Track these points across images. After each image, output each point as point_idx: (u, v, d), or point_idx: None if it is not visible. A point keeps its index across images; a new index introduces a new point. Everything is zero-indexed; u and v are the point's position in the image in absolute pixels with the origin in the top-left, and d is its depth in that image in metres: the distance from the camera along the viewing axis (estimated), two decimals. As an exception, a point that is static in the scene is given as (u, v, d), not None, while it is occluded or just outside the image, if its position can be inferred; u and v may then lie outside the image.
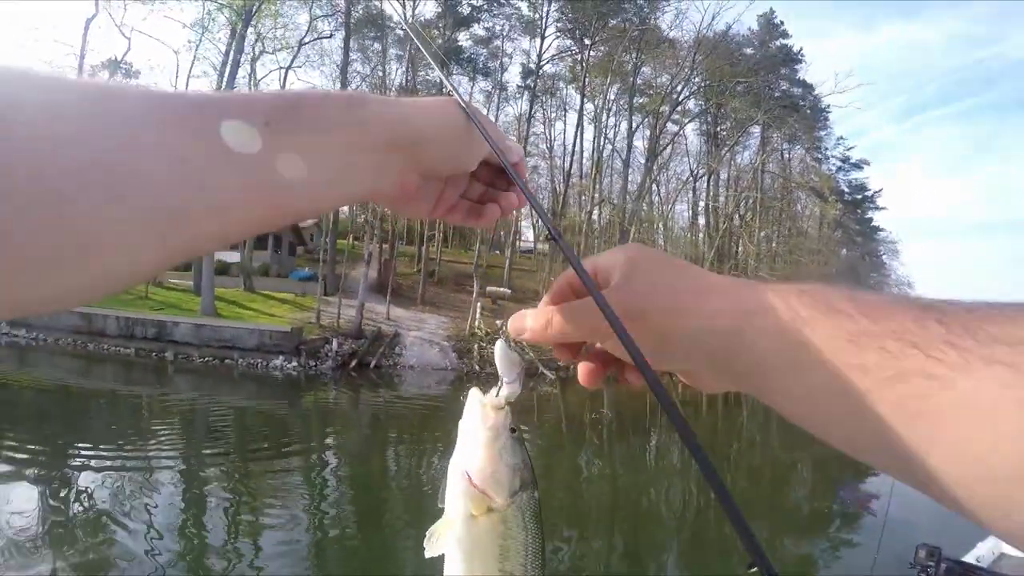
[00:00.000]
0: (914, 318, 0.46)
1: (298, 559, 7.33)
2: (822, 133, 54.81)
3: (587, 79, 45.34)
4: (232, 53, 34.41)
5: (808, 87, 52.41)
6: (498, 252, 46.18)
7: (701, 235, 50.96)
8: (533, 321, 0.67)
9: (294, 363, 24.12)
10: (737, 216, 47.85)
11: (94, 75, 45.22)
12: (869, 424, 0.46)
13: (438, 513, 0.70)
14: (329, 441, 15.06)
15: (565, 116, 53.71)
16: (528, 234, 52.58)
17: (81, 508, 8.31)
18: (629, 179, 46.02)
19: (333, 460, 13.02)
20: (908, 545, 4.49)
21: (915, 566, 4.28)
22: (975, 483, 0.40)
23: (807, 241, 50.92)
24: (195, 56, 36.81)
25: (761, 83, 45.94)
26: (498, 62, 49.24)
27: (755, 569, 0.35)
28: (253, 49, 36.18)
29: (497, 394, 0.72)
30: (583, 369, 0.69)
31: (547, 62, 47.58)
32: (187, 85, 54.03)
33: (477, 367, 27.40)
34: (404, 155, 0.61)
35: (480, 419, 0.71)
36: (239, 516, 8.71)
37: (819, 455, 13.07)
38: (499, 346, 0.73)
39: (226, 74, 34.30)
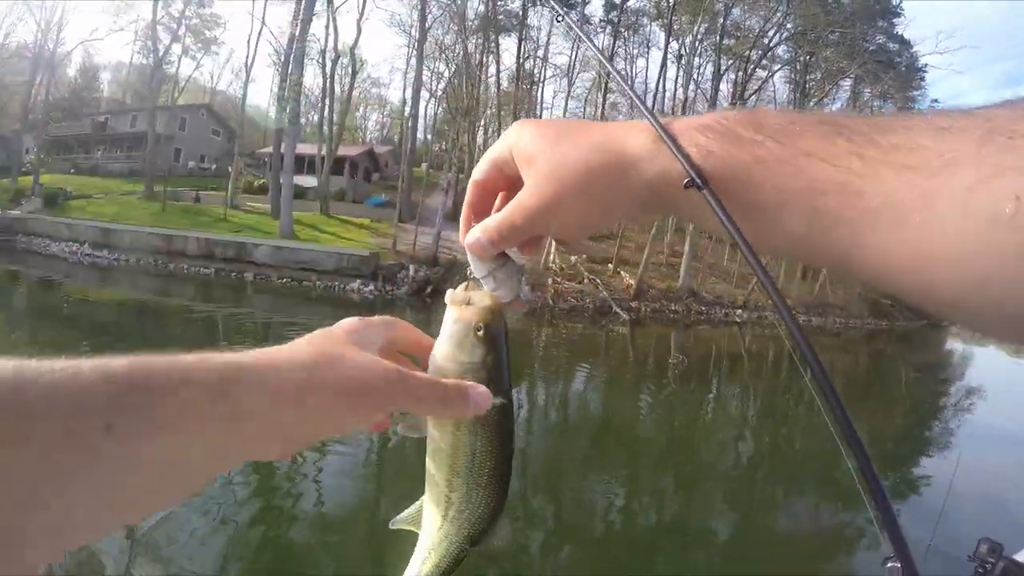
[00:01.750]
0: (821, 135, 0.49)
1: (355, 487, 7.22)
2: (916, 93, 50.24)
3: (673, 16, 43.61)
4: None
5: (906, 43, 49.16)
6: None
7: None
8: (481, 236, 0.68)
9: (371, 287, 24.25)
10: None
11: (169, 3, 45.60)
12: (792, 233, 0.50)
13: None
14: None
15: (648, 54, 52.13)
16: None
17: None
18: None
19: None
20: (962, 536, 4.08)
21: (974, 559, 3.77)
22: (898, 275, 0.45)
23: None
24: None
25: (857, 34, 43.44)
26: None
27: (891, 564, 0.42)
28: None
29: (467, 287, 0.72)
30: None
31: (632, -3, 46.17)
32: (264, 11, 54.09)
33: (551, 301, 27.13)
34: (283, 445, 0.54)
35: (446, 314, 0.71)
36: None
37: (875, 428, 12.53)
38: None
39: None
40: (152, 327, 15.70)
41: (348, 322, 0.65)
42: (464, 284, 0.73)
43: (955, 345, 35.78)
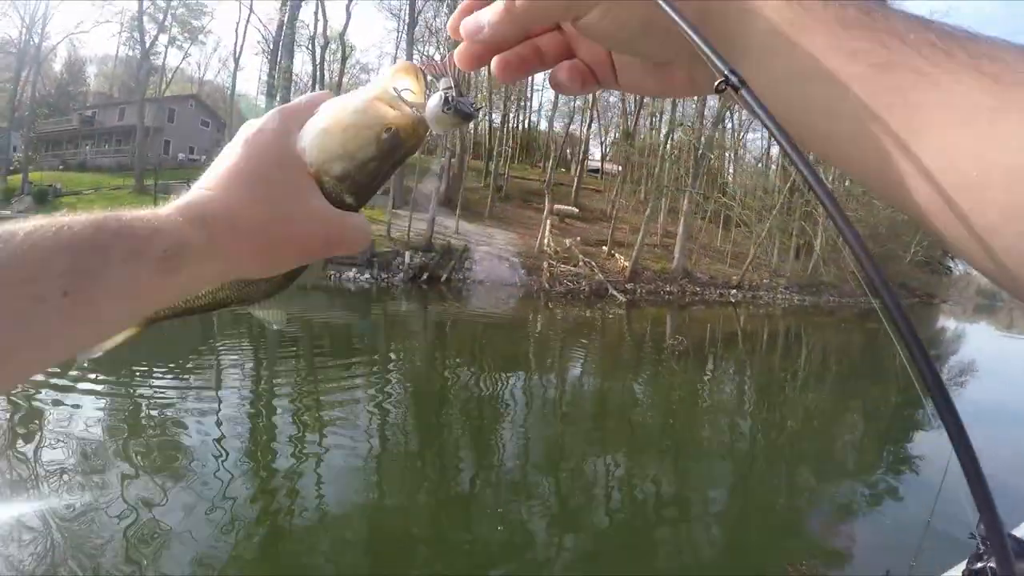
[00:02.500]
0: (907, 23, 0.46)
1: (356, 470, 7.23)
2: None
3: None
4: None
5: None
6: (564, 170, 45.33)
7: (774, 167, 49.24)
8: (492, 9, 0.55)
9: (366, 275, 24.28)
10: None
11: None
12: (849, 112, 0.45)
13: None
14: (396, 354, 14.95)
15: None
16: (595, 152, 51.50)
17: (147, 415, 8.35)
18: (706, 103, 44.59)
19: (398, 373, 12.79)
20: (962, 512, 4.02)
21: (974, 536, 3.76)
22: (948, 186, 0.41)
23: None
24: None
25: None
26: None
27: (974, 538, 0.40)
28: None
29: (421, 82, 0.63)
30: (568, 68, 0.61)
31: None
32: (253, -4, 53.62)
33: (547, 284, 27.14)
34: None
35: (370, 85, 0.64)
36: (303, 424, 8.72)
37: (871, 406, 12.68)
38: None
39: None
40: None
41: (281, 124, 0.62)
42: (420, 76, 0.64)
43: (947, 323, 35.95)
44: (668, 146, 36.53)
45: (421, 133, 0.63)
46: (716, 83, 0.45)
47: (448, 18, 0.66)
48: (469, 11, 0.58)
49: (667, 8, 0.47)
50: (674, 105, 36.25)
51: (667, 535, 6.57)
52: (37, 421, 7.74)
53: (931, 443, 9.59)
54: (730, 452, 9.54)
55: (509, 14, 0.54)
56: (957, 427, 0.36)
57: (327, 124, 0.61)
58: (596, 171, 49.28)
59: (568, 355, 16.27)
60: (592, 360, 15.86)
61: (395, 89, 0.62)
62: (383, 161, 0.63)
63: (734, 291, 32.46)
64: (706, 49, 0.46)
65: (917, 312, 37.50)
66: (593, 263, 29.25)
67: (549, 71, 0.62)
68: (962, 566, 1.61)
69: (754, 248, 33.99)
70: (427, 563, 5.70)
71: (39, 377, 9.27)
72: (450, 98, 0.60)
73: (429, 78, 0.64)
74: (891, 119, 0.43)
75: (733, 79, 0.44)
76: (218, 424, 8.18)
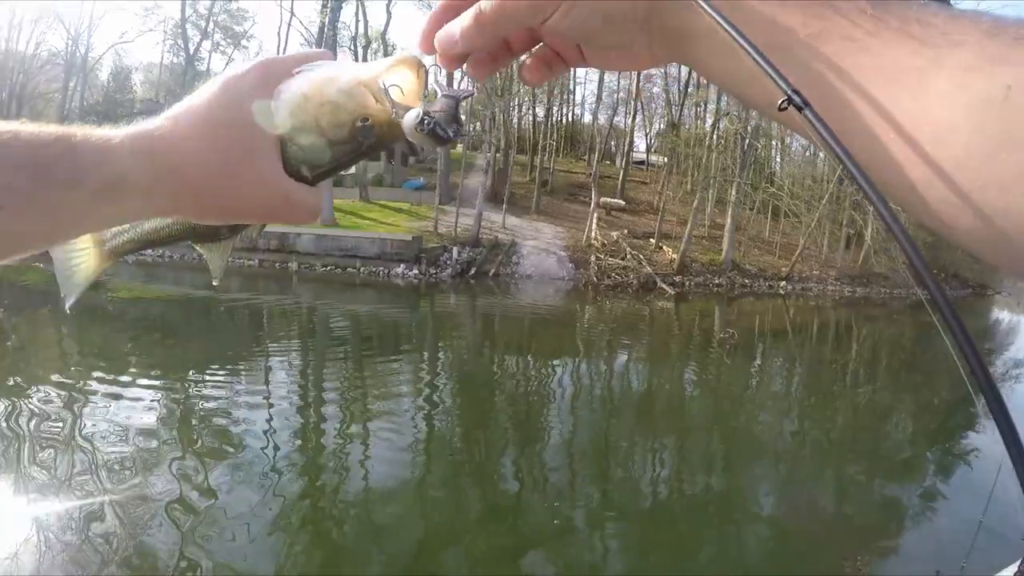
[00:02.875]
0: None
1: (402, 464, 7.34)
2: None
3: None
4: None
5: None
6: (609, 163, 45.07)
7: (822, 155, 48.13)
8: (462, 22, 0.57)
9: (415, 271, 24.43)
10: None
11: (196, 1, 46.02)
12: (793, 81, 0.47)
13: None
14: (443, 348, 15.13)
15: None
16: (640, 144, 51.09)
17: (200, 410, 8.56)
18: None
19: (445, 366, 13.02)
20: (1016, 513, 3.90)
21: None
22: (884, 143, 0.43)
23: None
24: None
25: None
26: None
27: None
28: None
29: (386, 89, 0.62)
30: (536, 62, 0.63)
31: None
32: (292, 2, 54.32)
33: (595, 278, 27.07)
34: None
35: (350, 66, 0.64)
36: (351, 418, 8.85)
37: (924, 401, 12.48)
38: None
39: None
40: (198, 320, 15.94)
41: (261, 79, 0.62)
42: (421, 73, 0.64)
43: (1002, 314, 35.02)
44: (715, 136, 36.17)
45: (395, 135, 0.62)
46: (779, 102, 0.45)
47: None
48: (439, 23, 0.59)
49: (725, 25, 0.48)
50: (720, 94, 35.87)
51: (716, 531, 6.55)
52: (96, 416, 7.92)
53: (984, 440, 9.34)
54: (780, 447, 9.48)
55: (479, 25, 0.55)
56: (1009, 425, 0.36)
57: (309, 91, 0.61)
58: (642, 163, 48.92)
59: (617, 348, 16.23)
60: (641, 353, 15.82)
61: (385, 83, 0.61)
62: (350, 147, 0.63)
63: (783, 283, 31.96)
64: (768, 69, 0.46)
65: (970, 303, 36.52)
66: (641, 256, 29.04)
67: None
68: (1015, 567, 1.55)
69: (803, 239, 33.46)
70: (472, 555, 5.77)
71: (99, 372, 9.83)
72: (426, 119, 0.59)
73: (434, 78, 0.64)
74: (827, 86, 0.45)
75: (796, 99, 0.45)
76: (268, 418, 8.35)
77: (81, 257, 0.79)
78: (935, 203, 0.42)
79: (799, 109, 0.44)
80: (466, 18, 0.56)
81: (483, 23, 0.55)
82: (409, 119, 0.60)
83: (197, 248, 0.77)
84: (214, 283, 0.84)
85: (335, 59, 0.66)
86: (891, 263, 36.27)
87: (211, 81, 0.60)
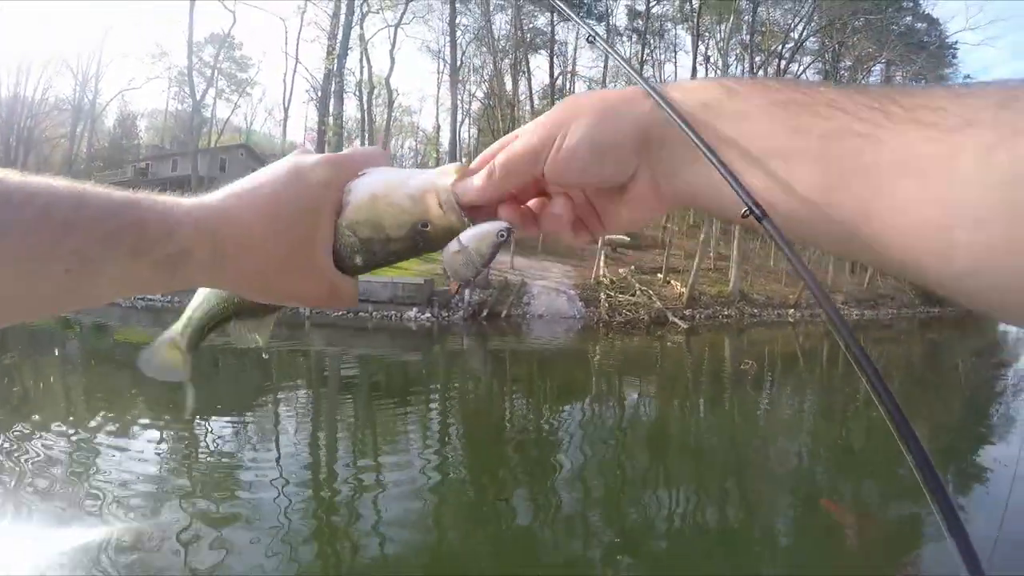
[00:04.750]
0: (840, 92, 0.49)
1: (414, 506, 7.34)
2: (948, 72, 49.61)
3: (699, 19, 43.37)
4: (342, 15, 34.74)
5: (934, 22, 49.12)
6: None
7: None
8: (478, 178, 0.64)
9: (427, 314, 24.50)
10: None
11: (201, 50, 46.46)
12: (806, 185, 0.48)
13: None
14: (456, 389, 15.12)
15: (676, 58, 52.03)
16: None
17: (206, 455, 8.65)
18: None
19: (457, 408, 13.01)
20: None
21: None
22: (917, 237, 0.43)
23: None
24: (303, 21, 37.56)
25: (884, 18, 42.60)
26: (604, 4, 47.96)
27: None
28: (360, 9, 36.50)
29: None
30: (556, 214, 0.67)
31: (656, 3, 46.09)
32: (297, 49, 54.83)
33: (606, 315, 27.20)
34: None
35: (419, 175, 0.68)
36: (362, 463, 8.89)
37: (934, 418, 12.22)
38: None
39: (338, 36, 34.66)
40: (207, 367, 15.93)
41: (329, 175, 0.65)
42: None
43: (1009, 328, 34.94)
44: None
45: (446, 242, 0.66)
46: (742, 212, 0.50)
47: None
48: (470, 172, 0.66)
49: (691, 135, 0.53)
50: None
51: (733, 566, 6.48)
52: (102, 463, 7.90)
53: (998, 454, 9.51)
54: (796, 477, 9.43)
55: (491, 181, 0.62)
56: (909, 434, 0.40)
57: (379, 191, 0.65)
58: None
59: (633, 385, 16.22)
60: (658, 389, 15.76)
61: (455, 194, 0.65)
62: (403, 246, 0.67)
63: (792, 311, 32.06)
64: (730, 179, 0.50)
65: (977, 319, 36.39)
66: (650, 291, 29.15)
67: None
68: None
69: (807, 265, 33.53)
70: None
71: (102, 418, 9.89)
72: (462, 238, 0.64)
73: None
74: (849, 186, 0.46)
75: (756, 211, 0.49)
76: (278, 465, 8.34)
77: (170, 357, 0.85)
78: (981, 290, 0.42)
79: (758, 220, 0.49)
80: (480, 176, 0.64)
81: (492, 175, 0.62)
82: (474, 235, 0.64)
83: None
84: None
85: (390, 157, 0.74)
86: (897, 283, 36.33)
87: (278, 164, 0.65)
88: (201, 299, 0.78)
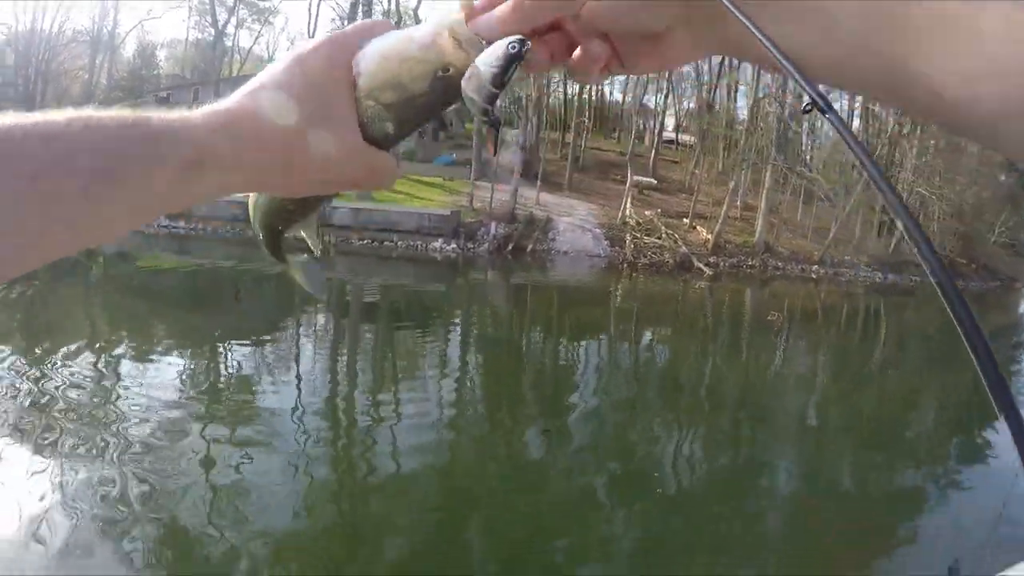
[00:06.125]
0: None
1: (430, 435, 7.46)
2: None
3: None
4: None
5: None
6: (638, 140, 44.65)
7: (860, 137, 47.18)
8: (502, 11, 0.57)
9: (452, 245, 24.43)
10: (896, 123, 44.10)
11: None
12: (842, 43, 0.50)
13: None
14: (477, 321, 15.27)
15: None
16: (669, 123, 50.52)
17: (228, 381, 8.75)
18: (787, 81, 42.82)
19: (477, 339, 13.17)
20: None
21: None
22: (948, 86, 0.46)
23: (966, 159, 46.45)
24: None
25: None
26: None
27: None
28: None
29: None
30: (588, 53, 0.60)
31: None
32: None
33: (631, 256, 26.97)
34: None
35: (428, 21, 0.63)
36: (381, 390, 9.03)
37: (948, 389, 12.45)
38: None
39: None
40: (229, 292, 15.90)
41: (331, 51, 0.60)
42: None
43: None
44: (756, 118, 35.66)
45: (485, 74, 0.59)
46: (804, 105, 0.47)
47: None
48: (490, 4, 0.58)
49: (753, 29, 0.48)
50: (757, 77, 35.44)
51: (733, 508, 6.58)
52: (124, 389, 7.95)
53: (1006, 432, 9.27)
54: (803, 429, 9.50)
55: (517, 12, 0.55)
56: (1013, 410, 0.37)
57: (388, 52, 0.60)
58: (671, 142, 48.45)
59: (654, 326, 16.31)
60: (679, 332, 15.81)
61: (468, 29, 0.59)
62: (431, 99, 0.61)
63: (816, 267, 31.72)
64: (793, 71, 0.47)
65: (997, 295, 36.20)
66: (676, 235, 28.89)
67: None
68: None
69: (835, 224, 33.16)
70: (493, 523, 5.89)
71: (127, 344, 10.03)
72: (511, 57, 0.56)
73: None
74: (885, 37, 0.47)
75: (821, 103, 0.46)
76: (297, 390, 8.47)
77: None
78: (1005, 135, 0.46)
79: (822, 112, 0.46)
80: (507, 6, 0.56)
81: (523, 10, 0.55)
82: (490, 56, 0.57)
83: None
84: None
85: (392, 25, 0.65)
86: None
87: (281, 59, 0.61)
88: (252, 211, 0.76)
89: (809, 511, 6.77)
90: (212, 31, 45.22)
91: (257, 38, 57.80)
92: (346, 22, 38.49)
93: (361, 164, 0.61)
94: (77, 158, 0.46)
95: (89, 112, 0.48)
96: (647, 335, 15.12)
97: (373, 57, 0.60)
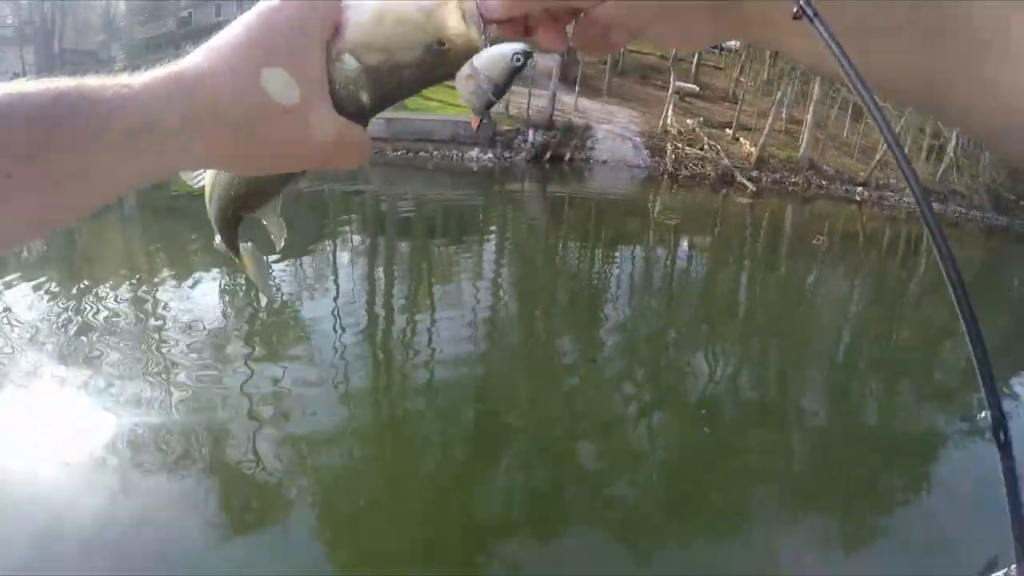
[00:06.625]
0: None
1: (465, 348, 7.56)
2: None
3: None
4: None
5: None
6: (679, 43, 43.19)
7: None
8: None
9: (489, 154, 23.79)
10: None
11: None
12: (897, 53, 0.47)
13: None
14: (514, 233, 15.17)
15: None
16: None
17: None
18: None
19: (513, 252, 13.15)
20: None
21: None
22: (994, 111, 0.45)
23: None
24: None
25: None
26: None
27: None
28: None
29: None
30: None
31: None
32: None
33: (672, 168, 26.16)
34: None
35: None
36: (417, 305, 9.15)
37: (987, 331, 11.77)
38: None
39: None
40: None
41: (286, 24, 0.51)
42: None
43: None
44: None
45: (461, 64, 0.54)
46: (794, 11, 0.43)
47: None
48: None
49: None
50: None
51: (760, 431, 6.64)
52: (163, 312, 8.10)
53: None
54: (834, 360, 9.34)
55: None
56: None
57: (386, 6, 0.53)
58: (715, 46, 46.72)
59: (694, 244, 16.16)
60: (720, 249, 15.86)
61: (477, 8, 0.51)
62: (417, 73, 0.55)
63: (860, 188, 30.64)
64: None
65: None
66: (718, 147, 27.86)
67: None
68: None
69: (883, 147, 31.86)
70: (526, 432, 6.06)
71: (165, 268, 9.99)
72: (515, 57, 0.52)
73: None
74: (935, 52, 0.45)
75: (809, 10, 0.43)
76: (334, 307, 8.58)
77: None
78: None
79: (810, 20, 0.43)
80: None
81: None
82: (493, 55, 0.53)
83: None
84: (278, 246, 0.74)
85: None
86: (972, 183, 34.70)
87: (248, 11, 0.52)
88: (208, 192, 0.68)
89: (833, 436, 6.80)
90: (234, -57, 43.70)
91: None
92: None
93: (328, 134, 0.52)
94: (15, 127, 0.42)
95: (18, 86, 0.43)
96: (687, 252, 15.00)
97: (366, 9, 0.52)
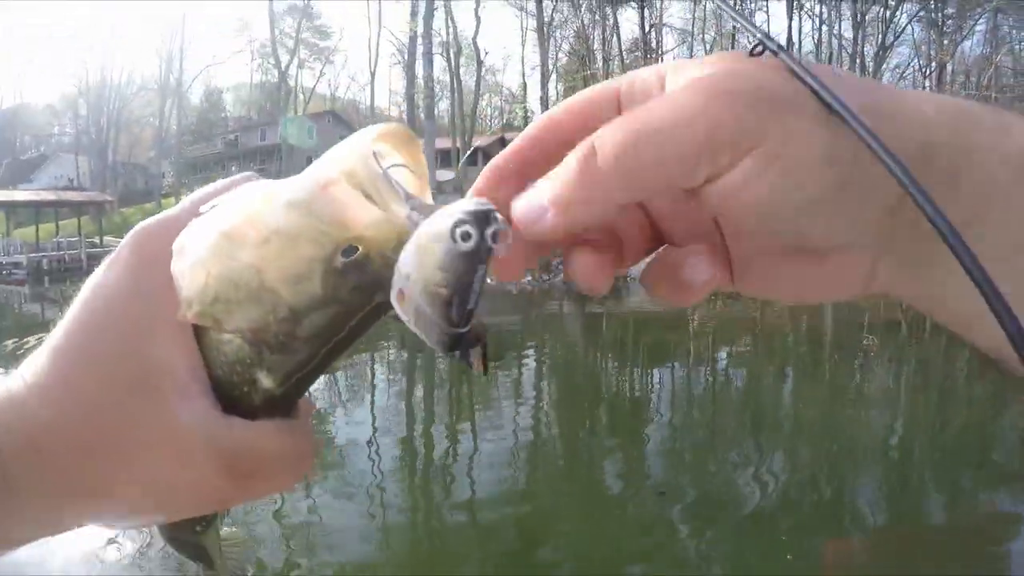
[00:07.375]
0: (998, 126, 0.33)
1: (505, 467, 7.42)
2: None
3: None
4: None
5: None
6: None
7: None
8: (556, 181, 0.32)
9: (528, 277, 24.00)
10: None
11: (281, 21, 46.94)
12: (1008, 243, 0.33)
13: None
14: (552, 353, 15.19)
15: (767, 7, 49.11)
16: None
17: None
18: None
19: (552, 372, 13.08)
20: None
21: None
22: None
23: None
24: None
25: None
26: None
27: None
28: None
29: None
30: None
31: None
32: (380, 10, 55.19)
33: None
34: None
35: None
36: (455, 422, 9.10)
37: None
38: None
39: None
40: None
41: (131, 252, 0.38)
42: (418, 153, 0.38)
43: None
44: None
45: (390, 271, 0.34)
46: (752, 47, 0.33)
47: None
48: (502, 175, 0.37)
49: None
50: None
51: (817, 537, 6.10)
52: None
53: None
54: (885, 453, 8.59)
55: (592, 181, 0.30)
56: None
57: (232, 225, 0.36)
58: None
59: (733, 356, 15.75)
60: (758, 360, 15.37)
61: (380, 163, 0.35)
62: (331, 315, 0.37)
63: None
64: (734, 14, 0.37)
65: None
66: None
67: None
68: None
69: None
70: (568, 557, 5.69)
71: None
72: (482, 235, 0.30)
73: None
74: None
75: (771, 44, 0.33)
76: (372, 424, 8.58)
77: None
78: None
79: (774, 53, 0.32)
80: (566, 171, 0.31)
81: (601, 178, 0.30)
82: (437, 230, 0.32)
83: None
84: None
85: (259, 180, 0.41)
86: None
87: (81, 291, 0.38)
88: None
89: (895, 537, 6.23)
90: (276, 72, 46.54)
91: (320, 77, 59.61)
92: (405, 56, 38.70)
93: (214, 457, 0.36)
94: None
95: None
96: (725, 362, 14.62)
97: (203, 243, 0.36)
